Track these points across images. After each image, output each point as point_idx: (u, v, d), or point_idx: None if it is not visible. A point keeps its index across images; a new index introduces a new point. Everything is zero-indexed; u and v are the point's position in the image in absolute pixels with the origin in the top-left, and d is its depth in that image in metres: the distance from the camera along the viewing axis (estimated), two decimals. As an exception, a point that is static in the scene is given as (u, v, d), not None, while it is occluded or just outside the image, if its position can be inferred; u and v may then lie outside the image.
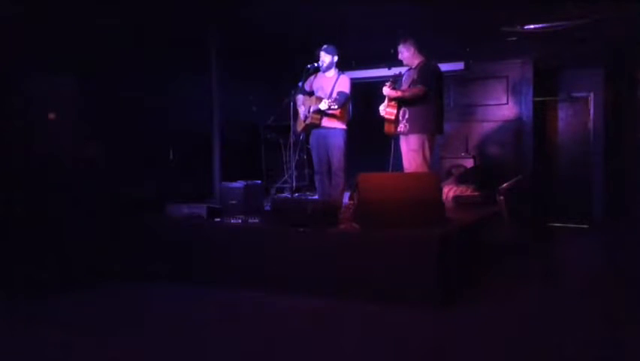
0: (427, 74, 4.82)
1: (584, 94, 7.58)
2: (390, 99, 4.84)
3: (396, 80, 5.09)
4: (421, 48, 4.97)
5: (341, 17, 5.81)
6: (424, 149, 4.80)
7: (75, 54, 4.63)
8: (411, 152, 4.83)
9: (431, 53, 5.07)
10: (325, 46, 5.30)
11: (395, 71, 5.60)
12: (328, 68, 5.32)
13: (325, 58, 5.27)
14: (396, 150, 5.13)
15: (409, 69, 5.07)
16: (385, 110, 4.87)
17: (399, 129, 4.91)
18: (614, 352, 2.95)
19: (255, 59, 6.87)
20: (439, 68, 4.97)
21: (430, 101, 4.80)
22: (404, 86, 4.99)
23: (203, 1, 5.33)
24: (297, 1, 5.29)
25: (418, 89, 4.75)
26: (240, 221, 4.54)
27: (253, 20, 5.92)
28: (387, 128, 4.92)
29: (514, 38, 6.35)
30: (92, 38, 4.79)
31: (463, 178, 6.26)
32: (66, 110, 4.44)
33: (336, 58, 5.31)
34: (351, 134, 5.35)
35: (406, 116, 4.85)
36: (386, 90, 4.82)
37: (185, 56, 5.87)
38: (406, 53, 4.96)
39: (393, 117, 4.84)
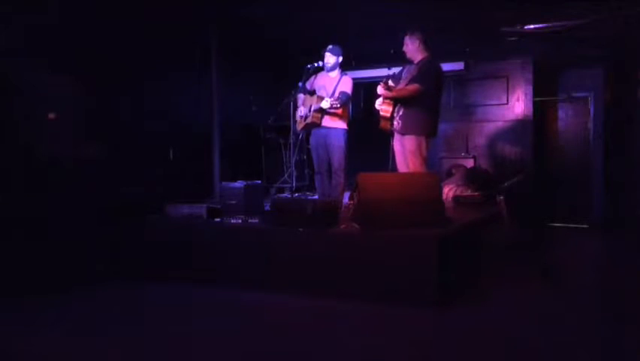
0: (427, 73, 4.74)
1: (584, 94, 7.57)
2: (385, 97, 4.83)
3: (393, 77, 5.05)
4: (426, 44, 4.87)
5: (341, 17, 5.82)
6: (421, 150, 4.76)
7: (75, 53, 4.63)
8: (408, 153, 4.80)
9: (434, 51, 5.04)
10: (331, 46, 5.32)
11: (395, 70, 5.58)
12: (332, 68, 5.34)
13: (330, 59, 5.29)
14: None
15: (409, 65, 4.98)
16: (381, 107, 4.86)
17: (394, 126, 4.88)
18: (614, 352, 2.95)
19: (255, 58, 6.87)
20: (440, 68, 4.88)
21: (427, 101, 4.73)
22: (403, 82, 4.89)
23: (203, 1, 5.33)
24: (297, 1, 5.29)
25: (412, 88, 4.69)
26: (239, 221, 4.55)
27: (253, 20, 5.93)
28: (383, 124, 4.92)
29: (514, 38, 6.35)
30: (92, 37, 4.79)
31: (463, 178, 6.25)
32: (66, 110, 4.43)
33: (340, 59, 5.35)
34: (351, 134, 5.36)
35: (400, 113, 4.81)
36: (380, 90, 4.81)
37: (186, 56, 5.87)
38: (410, 46, 4.86)
39: (388, 115, 4.83)
